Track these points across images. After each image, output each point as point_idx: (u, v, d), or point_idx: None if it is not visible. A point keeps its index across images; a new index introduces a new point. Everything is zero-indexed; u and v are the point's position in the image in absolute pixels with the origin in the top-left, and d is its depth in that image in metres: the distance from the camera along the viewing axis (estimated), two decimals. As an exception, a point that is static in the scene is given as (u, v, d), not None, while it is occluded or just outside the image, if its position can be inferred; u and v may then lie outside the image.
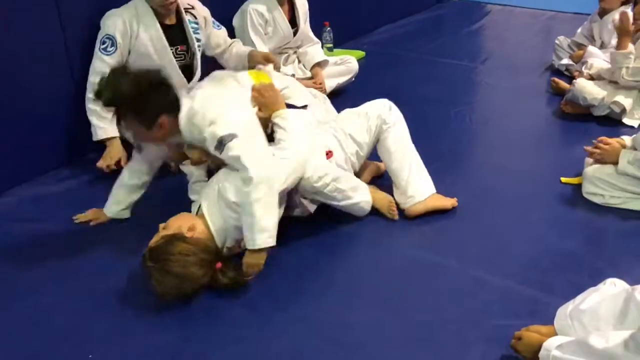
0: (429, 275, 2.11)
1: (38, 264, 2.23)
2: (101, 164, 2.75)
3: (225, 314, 1.95)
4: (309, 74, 3.58)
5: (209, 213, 2.06)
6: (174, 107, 2.08)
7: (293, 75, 3.44)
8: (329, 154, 2.32)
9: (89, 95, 2.77)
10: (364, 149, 2.45)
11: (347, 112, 2.52)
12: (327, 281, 2.12)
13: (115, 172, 2.59)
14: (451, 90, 3.81)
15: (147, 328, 1.90)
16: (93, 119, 2.79)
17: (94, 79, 2.73)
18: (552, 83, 3.66)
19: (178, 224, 2.00)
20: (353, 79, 3.73)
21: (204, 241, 1.99)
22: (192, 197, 2.40)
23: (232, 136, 2.01)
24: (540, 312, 1.86)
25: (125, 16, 2.76)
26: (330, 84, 3.58)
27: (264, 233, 1.97)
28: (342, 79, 3.66)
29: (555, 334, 1.56)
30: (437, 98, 3.64)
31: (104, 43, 2.74)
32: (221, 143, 2.01)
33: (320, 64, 3.58)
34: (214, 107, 2.09)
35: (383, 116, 2.45)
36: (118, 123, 2.20)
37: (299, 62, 3.65)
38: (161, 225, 2.01)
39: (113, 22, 2.74)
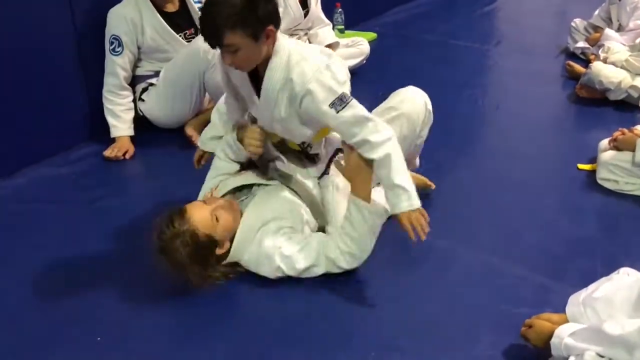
0: (439, 261, 2.09)
1: (47, 245, 2.23)
2: (109, 153, 2.80)
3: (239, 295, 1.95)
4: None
5: (243, 239, 1.93)
6: (277, 19, 1.82)
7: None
8: None
9: (106, 94, 2.85)
10: None
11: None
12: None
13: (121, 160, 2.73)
14: (463, 73, 3.76)
15: (158, 311, 1.90)
16: (109, 118, 2.86)
17: (108, 80, 2.84)
18: (567, 67, 3.60)
19: (204, 217, 1.87)
20: (364, 61, 3.69)
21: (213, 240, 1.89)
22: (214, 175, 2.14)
23: (349, 95, 1.82)
24: (552, 299, 1.84)
25: (128, 13, 2.76)
26: (341, 66, 3.53)
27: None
28: (353, 61, 3.61)
29: (567, 322, 1.53)
30: (449, 81, 3.59)
31: (111, 44, 2.78)
32: (342, 100, 1.79)
33: (331, 46, 3.53)
34: (322, 58, 1.85)
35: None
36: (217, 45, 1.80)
37: (310, 43, 3.60)
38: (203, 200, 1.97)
39: (117, 22, 2.77)
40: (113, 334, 1.82)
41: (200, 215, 1.87)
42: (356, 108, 1.82)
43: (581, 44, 3.84)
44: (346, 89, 1.84)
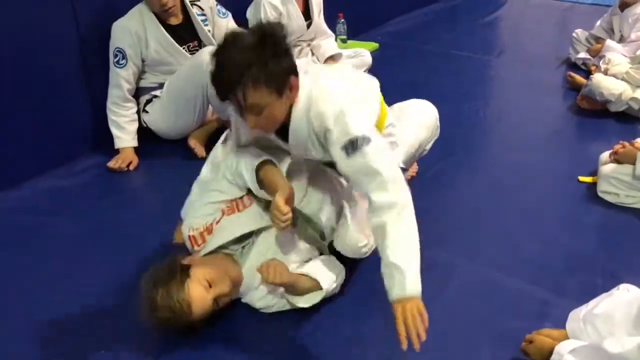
0: (439, 274, 2.09)
1: (51, 257, 2.25)
2: (113, 164, 2.83)
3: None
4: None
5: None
6: (295, 68, 1.68)
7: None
8: None
9: (110, 106, 2.88)
10: None
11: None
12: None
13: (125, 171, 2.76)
14: (465, 84, 3.77)
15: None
16: (113, 129, 2.89)
17: (113, 92, 2.87)
18: (568, 77, 3.62)
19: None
20: (366, 72, 3.70)
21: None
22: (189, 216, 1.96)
23: (367, 139, 1.64)
24: (552, 314, 1.86)
25: (132, 26, 2.79)
26: (343, 77, 3.56)
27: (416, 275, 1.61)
28: (355, 72, 3.63)
29: (567, 338, 1.55)
30: (450, 91, 3.60)
31: (115, 56, 2.81)
32: (354, 144, 1.63)
33: (333, 57, 3.56)
34: (344, 95, 1.71)
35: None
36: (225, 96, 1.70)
37: (312, 54, 3.63)
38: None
39: (121, 35, 2.79)
40: (119, 347, 1.83)
41: (200, 298, 1.70)
42: (370, 156, 1.63)
43: (582, 54, 3.86)
44: (365, 130, 1.66)
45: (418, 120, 2.33)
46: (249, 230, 1.89)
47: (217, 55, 1.64)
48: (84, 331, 1.90)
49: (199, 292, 1.70)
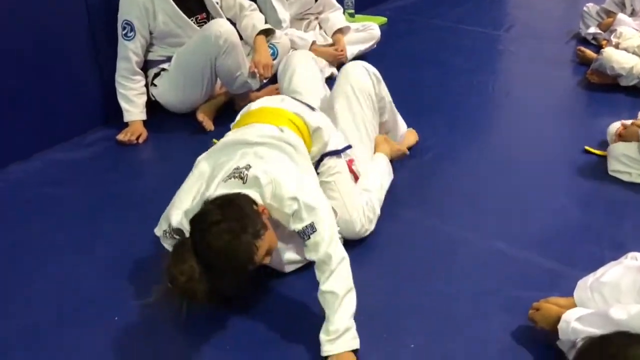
0: (448, 246, 2.11)
1: (62, 228, 2.27)
2: (122, 137, 2.84)
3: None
4: (330, 41, 3.55)
5: None
6: (249, 199, 1.71)
7: (314, 42, 3.41)
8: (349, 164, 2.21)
9: (119, 79, 2.88)
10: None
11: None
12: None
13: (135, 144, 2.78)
14: (474, 59, 3.75)
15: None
16: (122, 103, 2.89)
17: (121, 64, 2.87)
18: (578, 52, 3.59)
19: None
20: (375, 45, 3.69)
21: None
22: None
23: (313, 227, 1.71)
24: (560, 284, 1.87)
25: None
26: (352, 50, 3.54)
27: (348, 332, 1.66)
28: (363, 46, 3.62)
29: (575, 306, 1.56)
30: (459, 66, 3.59)
31: (124, 29, 2.80)
32: (305, 232, 1.71)
33: (341, 31, 3.54)
34: (287, 185, 1.75)
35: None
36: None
37: (320, 28, 3.61)
38: None
39: (129, 7, 2.79)
40: (129, 315, 1.86)
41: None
42: (319, 245, 1.69)
43: (593, 29, 3.82)
44: (314, 216, 1.71)
45: (348, 87, 2.31)
46: None
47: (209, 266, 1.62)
48: (95, 301, 1.93)
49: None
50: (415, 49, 3.87)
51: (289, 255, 1.96)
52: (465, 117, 3.00)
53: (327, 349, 1.64)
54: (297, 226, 1.72)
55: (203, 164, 1.92)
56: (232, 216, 1.62)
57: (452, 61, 3.67)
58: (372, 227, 2.13)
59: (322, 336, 1.65)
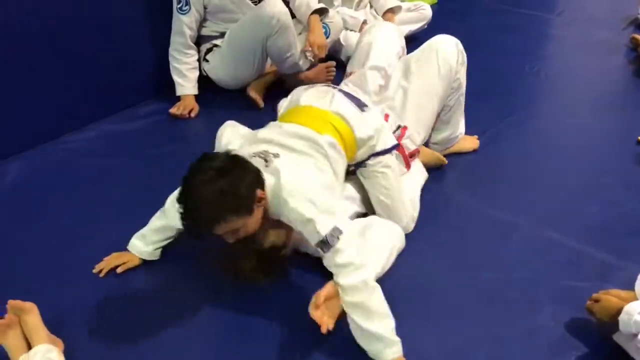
0: (500, 233, 2.10)
1: (114, 199, 2.33)
2: (174, 111, 2.89)
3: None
4: (380, 20, 3.51)
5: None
6: (260, 180, 1.70)
7: (365, 21, 3.39)
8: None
9: (172, 52, 2.91)
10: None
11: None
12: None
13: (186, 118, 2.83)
14: (526, 43, 3.67)
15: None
16: (175, 77, 2.93)
17: (175, 38, 2.89)
18: (632, 40, 3.48)
19: None
20: (425, 26, 3.63)
21: None
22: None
23: (337, 231, 1.63)
24: (614, 276, 1.86)
25: None
26: (402, 30, 3.48)
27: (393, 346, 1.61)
28: (414, 26, 3.57)
29: (636, 299, 1.54)
30: (510, 50, 3.52)
31: (179, 2, 2.82)
32: (325, 243, 1.63)
33: (393, 10, 3.49)
34: (304, 193, 1.68)
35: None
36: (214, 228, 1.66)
37: (371, 7, 3.58)
38: None
39: None
40: (180, 285, 1.91)
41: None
42: (341, 252, 1.62)
43: (652, 15, 3.70)
44: (331, 223, 1.63)
45: (432, 51, 2.26)
46: None
47: (183, 203, 1.64)
48: (144, 271, 1.98)
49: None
50: (465, 30, 3.76)
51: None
52: (515, 102, 2.96)
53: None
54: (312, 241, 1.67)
55: (237, 141, 1.99)
56: (228, 175, 1.60)
57: (503, 44, 3.60)
58: (413, 225, 2.11)
59: (364, 346, 1.62)
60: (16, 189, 2.42)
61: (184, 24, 2.85)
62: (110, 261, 1.97)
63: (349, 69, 2.34)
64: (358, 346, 1.62)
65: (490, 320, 1.77)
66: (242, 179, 1.63)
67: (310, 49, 2.89)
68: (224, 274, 1.90)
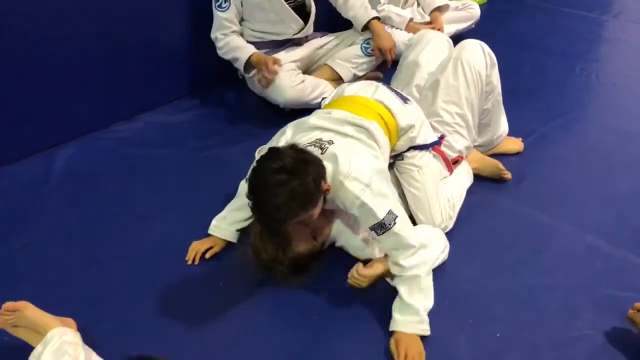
0: (542, 237, 2.06)
1: (161, 188, 2.39)
2: (269, 71, 2.75)
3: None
4: (427, 18, 3.48)
5: None
6: (324, 172, 1.72)
7: (411, 20, 3.36)
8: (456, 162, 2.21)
9: (219, 44, 2.85)
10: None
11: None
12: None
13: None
14: (578, 44, 3.58)
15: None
16: (234, 53, 2.82)
17: (215, 35, 2.86)
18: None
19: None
20: (473, 25, 3.58)
21: None
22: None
23: (393, 216, 1.72)
24: (660, 287, 1.80)
25: None
26: (449, 29, 3.45)
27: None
28: (462, 25, 3.53)
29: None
30: (562, 51, 3.44)
31: (217, 0, 2.80)
32: (382, 226, 1.72)
33: (440, 9, 3.45)
34: (362, 179, 1.72)
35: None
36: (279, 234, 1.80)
37: (418, 5, 3.55)
38: None
39: None
40: (231, 276, 1.95)
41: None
42: (399, 234, 1.72)
43: None
44: (387, 207, 1.72)
45: (457, 61, 2.20)
46: None
47: (255, 200, 1.67)
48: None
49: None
50: (515, 30, 3.74)
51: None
52: (566, 105, 2.88)
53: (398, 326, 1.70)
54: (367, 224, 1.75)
55: (288, 131, 1.98)
56: (298, 173, 1.61)
57: (554, 45, 3.51)
58: (451, 224, 2.09)
59: (396, 314, 1.72)
60: (69, 172, 2.50)
61: (224, 20, 2.81)
62: (197, 247, 2.03)
63: (393, 86, 2.31)
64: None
65: (527, 325, 1.74)
66: (309, 174, 1.64)
67: (378, 53, 2.95)
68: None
